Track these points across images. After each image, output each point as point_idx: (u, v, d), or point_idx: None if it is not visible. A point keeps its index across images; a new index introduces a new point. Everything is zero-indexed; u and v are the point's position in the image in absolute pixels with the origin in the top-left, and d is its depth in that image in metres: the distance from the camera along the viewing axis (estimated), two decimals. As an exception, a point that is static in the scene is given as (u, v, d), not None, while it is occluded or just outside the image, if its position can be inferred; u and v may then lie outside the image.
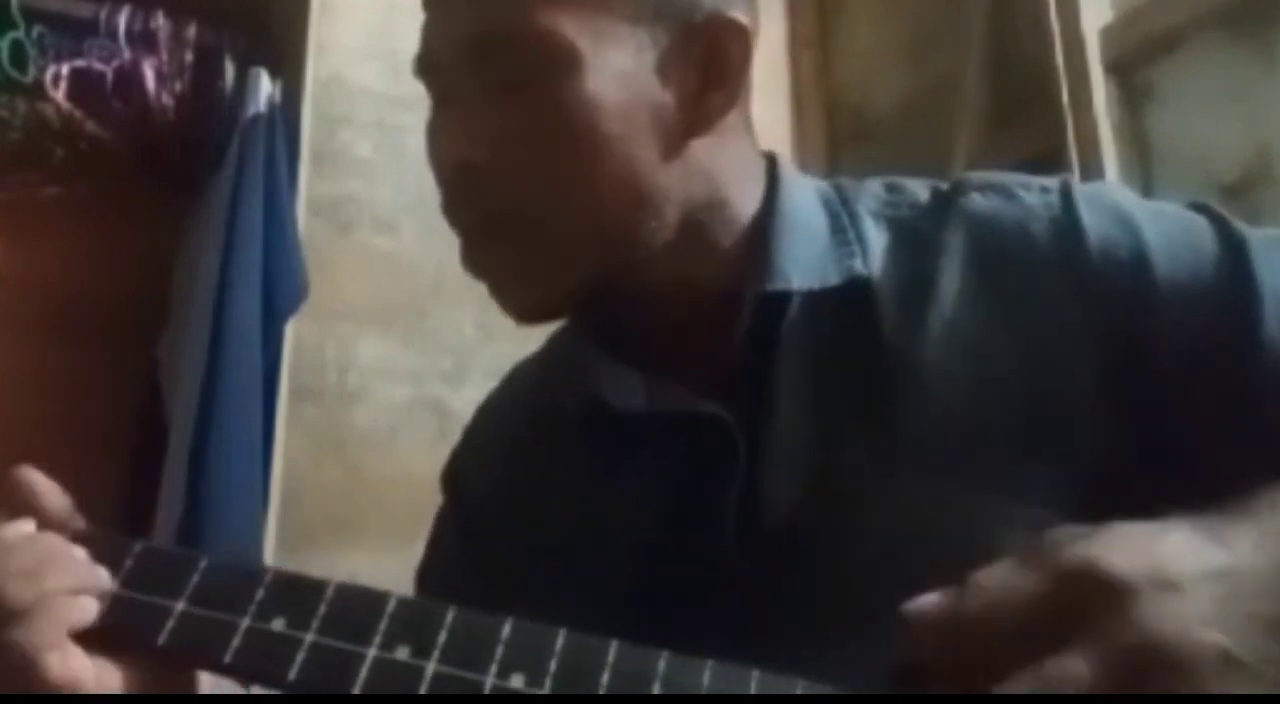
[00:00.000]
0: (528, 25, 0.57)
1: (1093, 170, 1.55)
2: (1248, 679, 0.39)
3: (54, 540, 0.52)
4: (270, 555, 1.62)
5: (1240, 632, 0.39)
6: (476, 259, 0.62)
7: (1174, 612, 0.39)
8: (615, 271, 0.61)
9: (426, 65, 0.63)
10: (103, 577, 0.52)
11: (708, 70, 0.61)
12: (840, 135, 2.18)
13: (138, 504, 1.63)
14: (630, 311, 0.65)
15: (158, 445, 1.68)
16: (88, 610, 0.50)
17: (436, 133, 0.63)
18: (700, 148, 0.61)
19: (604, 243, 0.60)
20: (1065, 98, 1.62)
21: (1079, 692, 0.38)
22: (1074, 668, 0.39)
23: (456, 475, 0.77)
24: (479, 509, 0.72)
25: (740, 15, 0.61)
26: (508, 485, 0.70)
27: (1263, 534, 0.43)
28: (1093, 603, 0.40)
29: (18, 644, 0.48)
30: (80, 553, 0.53)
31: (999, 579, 0.42)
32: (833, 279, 0.60)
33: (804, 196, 0.65)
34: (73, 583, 0.51)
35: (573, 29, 0.57)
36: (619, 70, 0.58)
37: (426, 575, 0.75)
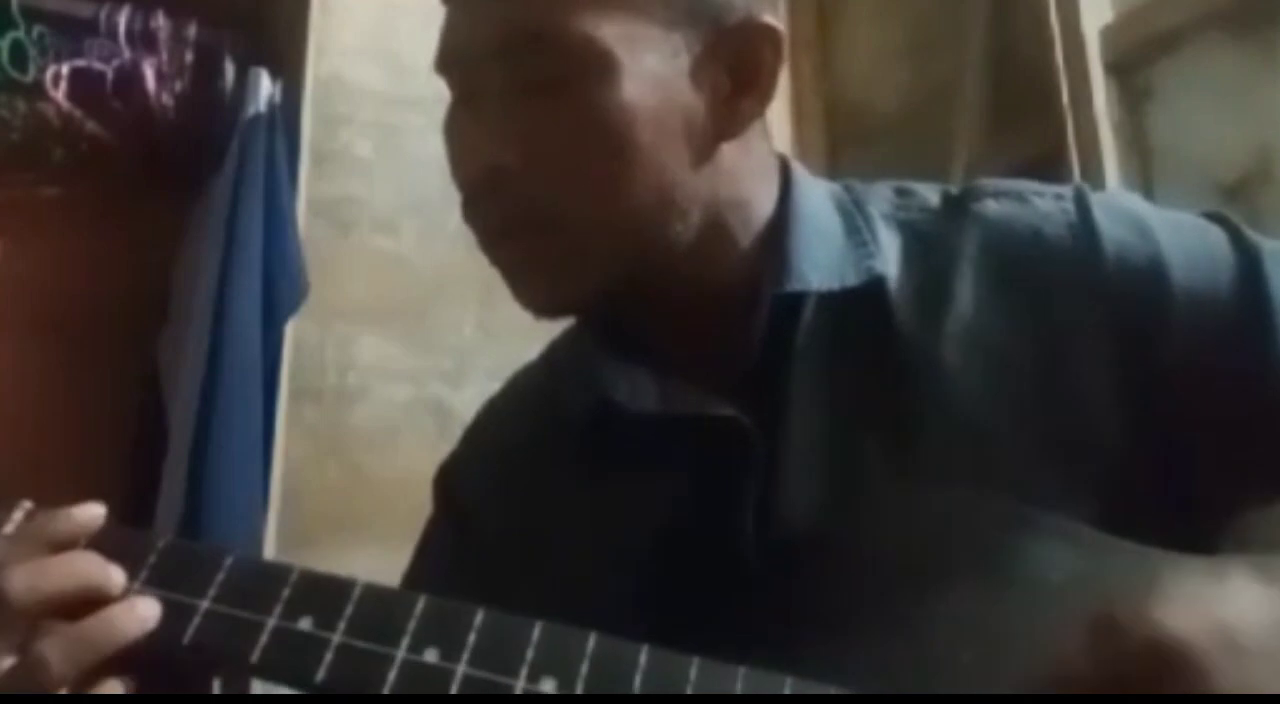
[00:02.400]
0: (565, 28, 0.57)
1: (1093, 170, 1.55)
2: None
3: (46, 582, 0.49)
4: (270, 555, 1.61)
5: None
6: (498, 256, 0.62)
7: (1241, 678, 0.38)
8: (639, 271, 0.60)
9: (450, 61, 0.62)
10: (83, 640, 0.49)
11: (740, 74, 0.60)
12: (840, 136, 2.17)
13: (138, 504, 1.63)
14: (642, 312, 0.64)
15: (158, 445, 1.68)
16: (81, 659, 0.48)
17: (459, 132, 0.61)
18: (728, 150, 0.61)
19: (631, 245, 0.59)
20: (1065, 98, 1.61)
21: None
22: None
23: (449, 484, 0.75)
24: (475, 516, 0.71)
25: (772, 19, 0.61)
26: (508, 491, 0.70)
27: None
28: (1163, 680, 0.38)
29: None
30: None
31: (1063, 659, 0.40)
32: (851, 280, 0.60)
33: (818, 197, 0.65)
34: (58, 646, 0.48)
35: (610, 34, 0.57)
36: (653, 75, 0.58)
37: (413, 585, 0.72)
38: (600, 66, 0.57)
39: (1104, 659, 0.39)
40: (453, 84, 0.63)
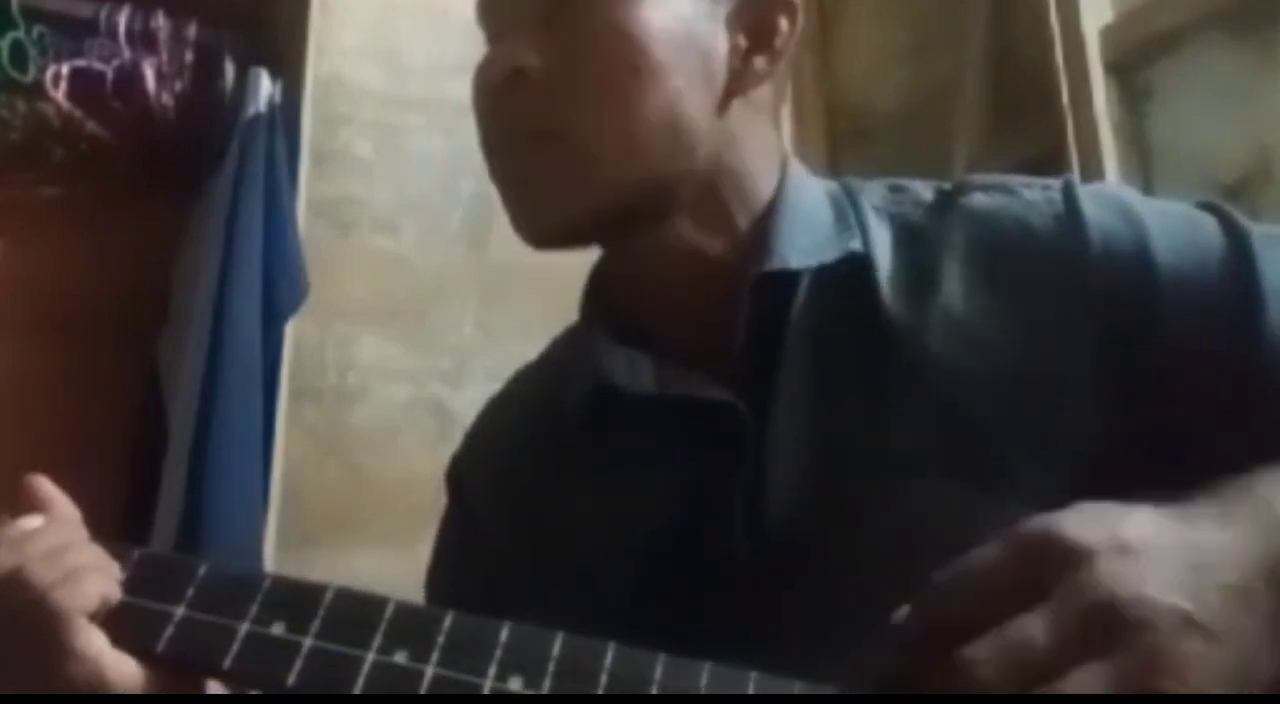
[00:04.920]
0: None
1: (1093, 170, 1.55)
2: (1211, 643, 0.40)
3: (66, 529, 0.54)
4: (270, 555, 1.62)
5: (1205, 598, 0.41)
6: (507, 172, 0.63)
7: (1131, 573, 0.41)
8: (637, 203, 0.61)
9: (488, 3, 0.66)
10: (114, 566, 0.53)
11: (756, 34, 0.64)
12: (840, 135, 2.18)
13: (138, 504, 1.63)
14: (641, 295, 0.66)
15: (158, 445, 1.68)
16: (113, 584, 0.52)
17: (486, 60, 0.63)
18: (737, 114, 0.64)
19: (634, 165, 0.61)
20: (1065, 98, 1.61)
21: (1038, 653, 0.40)
22: (1033, 628, 0.40)
23: (458, 477, 0.77)
24: (482, 508, 0.73)
25: None
26: (512, 482, 0.71)
27: (1227, 513, 0.44)
28: (1050, 567, 0.41)
29: (47, 612, 0.49)
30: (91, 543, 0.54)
31: (971, 557, 0.43)
32: (829, 257, 0.61)
33: (811, 191, 0.66)
34: (92, 561, 0.52)
35: None
36: (677, 9, 0.61)
37: (434, 578, 0.75)
38: None
39: (1000, 550, 0.43)
40: (489, 26, 0.66)
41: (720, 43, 0.63)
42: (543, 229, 0.62)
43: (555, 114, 0.60)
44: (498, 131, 0.63)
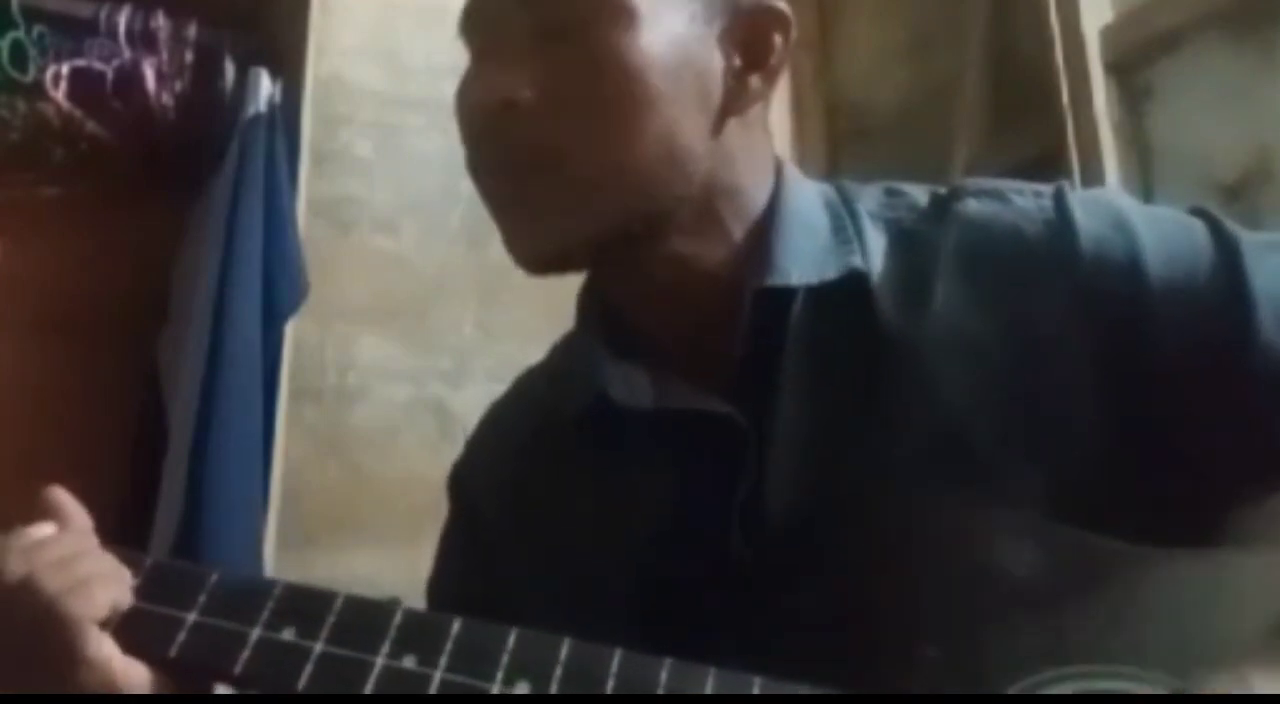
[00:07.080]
0: None
1: (1093, 171, 1.55)
2: None
3: (78, 537, 0.55)
4: (270, 555, 1.62)
5: None
6: (503, 200, 0.62)
7: None
8: (633, 230, 0.61)
9: (474, 16, 0.64)
10: (126, 573, 0.53)
11: (750, 52, 0.63)
12: (840, 135, 2.18)
13: (138, 504, 1.63)
14: (637, 304, 0.65)
15: (158, 445, 1.68)
16: (124, 591, 0.52)
17: (474, 79, 0.62)
18: (733, 132, 0.63)
19: (631, 194, 0.60)
20: (1065, 98, 1.62)
21: None
22: None
23: (460, 484, 0.77)
24: (485, 516, 0.72)
25: (783, 5, 0.64)
26: (513, 490, 0.70)
27: None
28: None
29: (58, 620, 0.49)
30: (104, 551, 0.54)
31: None
32: (831, 273, 0.61)
33: (807, 197, 0.66)
34: (103, 569, 0.52)
35: None
36: (672, 33, 0.60)
37: (437, 586, 0.75)
38: (620, 12, 0.59)
39: None
40: (473, 41, 0.64)
41: (715, 63, 0.61)
42: (537, 256, 0.61)
43: (550, 143, 0.59)
44: (490, 156, 0.62)
